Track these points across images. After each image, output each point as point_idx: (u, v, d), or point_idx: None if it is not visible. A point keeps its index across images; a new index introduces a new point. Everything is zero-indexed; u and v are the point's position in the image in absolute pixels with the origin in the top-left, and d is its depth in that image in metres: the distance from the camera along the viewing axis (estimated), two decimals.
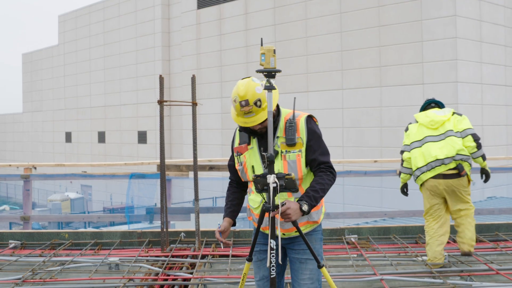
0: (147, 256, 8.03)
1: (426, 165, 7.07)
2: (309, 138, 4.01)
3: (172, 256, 8.04)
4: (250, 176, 4.06)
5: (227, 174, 4.64)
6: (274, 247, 3.57)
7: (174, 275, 7.13)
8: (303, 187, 4.05)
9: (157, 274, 7.18)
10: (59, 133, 52.06)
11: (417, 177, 7.24)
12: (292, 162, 4.02)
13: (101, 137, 46.50)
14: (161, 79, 8.33)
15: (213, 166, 10.11)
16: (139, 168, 11.71)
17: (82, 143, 48.78)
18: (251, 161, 4.07)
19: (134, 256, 7.90)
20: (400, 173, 7.50)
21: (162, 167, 8.41)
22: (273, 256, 3.58)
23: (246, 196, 4.37)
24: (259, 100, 3.82)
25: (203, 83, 33.78)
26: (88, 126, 47.98)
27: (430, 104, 7.44)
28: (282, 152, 4.02)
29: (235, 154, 4.15)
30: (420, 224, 9.20)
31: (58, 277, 7.08)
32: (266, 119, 3.90)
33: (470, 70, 24.44)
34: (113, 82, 45.06)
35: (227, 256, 7.97)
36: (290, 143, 3.96)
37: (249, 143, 4.08)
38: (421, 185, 7.27)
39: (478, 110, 24.40)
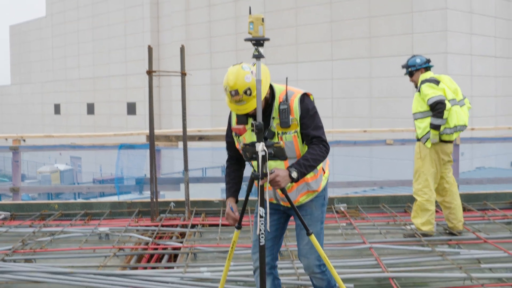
0: (137, 226, 8.05)
1: (454, 127, 6.95)
2: (302, 115, 4.02)
3: (162, 226, 8.06)
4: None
5: (216, 144, 4.64)
6: (263, 215, 3.58)
7: (164, 245, 7.16)
8: None
9: (147, 243, 7.20)
10: (48, 105, 51.78)
11: (441, 134, 7.00)
12: (289, 142, 4.07)
13: (90, 109, 46.30)
14: (150, 49, 8.29)
15: (203, 136, 10.08)
16: (128, 138, 11.68)
17: (71, 115, 48.56)
18: (251, 140, 4.09)
19: (124, 226, 7.92)
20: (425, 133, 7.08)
21: (152, 137, 8.40)
22: (262, 224, 3.59)
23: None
24: (249, 89, 3.82)
25: (192, 54, 33.60)
26: (77, 97, 47.73)
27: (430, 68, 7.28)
28: (278, 133, 4.07)
29: (233, 134, 4.15)
30: (408, 194, 9.25)
31: (48, 247, 7.09)
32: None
33: (460, 41, 24.42)
34: (102, 54, 44.76)
35: (217, 225, 8.00)
36: (285, 126, 4.00)
37: (246, 123, 4.11)
38: (431, 145, 7.05)
39: (467, 81, 24.42)
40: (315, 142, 4.00)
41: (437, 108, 6.81)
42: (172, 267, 6.20)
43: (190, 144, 9.02)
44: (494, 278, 5.71)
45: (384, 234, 7.41)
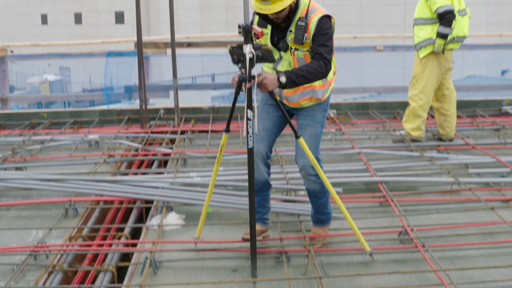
0: (126, 133, 8.05)
1: (456, 37, 6.86)
2: (315, 33, 3.94)
3: (152, 133, 8.06)
4: None
5: (206, 51, 4.56)
6: (251, 118, 3.56)
7: (154, 151, 7.19)
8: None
9: (137, 150, 7.22)
10: (34, 16, 50.76)
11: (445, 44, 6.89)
12: (301, 59, 4.05)
13: (78, 19, 45.44)
14: None
15: (192, 42, 9.95)
16: (116, 46, 11.51)
17: (58, 25, 47.68)
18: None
19: (114, 133, 7.91)
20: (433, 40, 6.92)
21: (139, 44, 8.27)
22: (250, 127, 3.57)
23: None
24: None
25: None
26: (64, 7, 46.72)
27: None
28: (291, 48, 4.03)
29: (253, 33, 4.07)
30: (398, 100, 9.26)
31: (38, 156, 7.11)
32: (282, 10, 3.84)
33: None
34: None
35: (207, 131, 8.01)
36: (298, 43, 3.95)
37: (265, 27, 4.06)
38: (432, 54, 6.95)
39: None
40: (317, 58, 3.94)
41: (446, 18, 6.68)
42: (162, 173, 6.24)
43: (179, 51, 8.91)
44: (481, 182, 5.79)
45: (373, 140, 7.45)
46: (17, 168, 6.54)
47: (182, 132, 8.09)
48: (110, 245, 4.67)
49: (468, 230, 4.71)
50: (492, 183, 5.75)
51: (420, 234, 4.51)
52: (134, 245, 4.68)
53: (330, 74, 4.24)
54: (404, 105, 8.38)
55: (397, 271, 4.05)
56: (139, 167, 6.98)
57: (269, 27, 4.06)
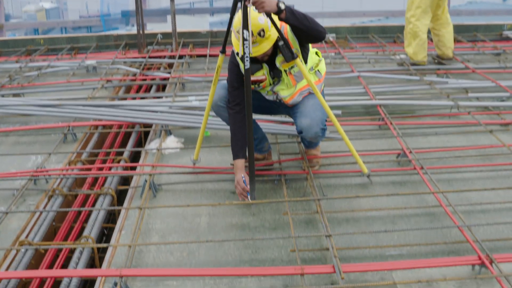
0: (124, 58, 7.98)
1: None
2: (294, 34, 3.79)
3: (150, 58, 8.00)
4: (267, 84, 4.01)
5: None
6: (247, 38, 3.49)
7: (152, 75, 7.14)
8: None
9: (135, 74, 7.18)
10: None
11: None
12: (298, 72, 3.94)
13: None
14: None
15: None
16: None
17: None
18: (270, 83, 4.00)
19: (111, 59, 7.85)
20: None
21: None
22: (246, 47, 3.51)
23: None
24: (263, 30, 3.61)
25: None
26: None
27: None
28: (285, 70, 3.93)
29: (256, 85, 3.94)
30: (398, 24, 9.14)
31: (36, 82, 7.07)
32: (269, 48, 3.72)
33: None
34: None
35: (205, 56, 7.95)
36: (290, 60, 3.75)
37: (261, 68, 3.92)
38: None
39: None
40: None
41: None
42: (161, 97, 6.21)
43: None
44: (480, 106, 5.76)
45: (372, 64, 7.39)
46: (14, 95, 6.51)
47: (180, 57, 8.03)
48: (110, 169, 4.69)
49: (466, 153, 4.72)
50: (491, 107, 5.72)
51: (418, 156, 4.52)
52: (134, 168, 4.69)
53: (323, 67, 4.15)
54: (403, 28, 8.28)
55: (395, 193, 4.07)
56: (137, 91, 6.96)
57: (264, 65, 3.92)
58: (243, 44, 3.45)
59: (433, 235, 3.56)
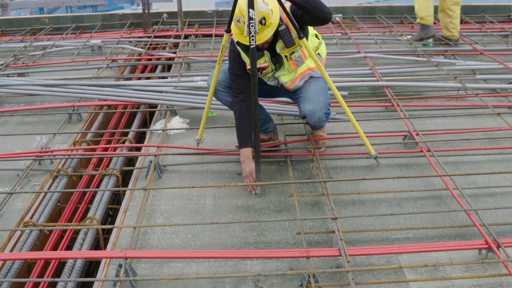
0: (129, 38, 7.94)
1: None
2: (294, 14, 3.70)
3: (155, 37, 7.96)
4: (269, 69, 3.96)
5: None
6: (253, 17, 3.44)
7: (158, 55, 7.10)
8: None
9: (140, 54, 7.14)
10: None
11: None
12: (299, 57, 3.89)
13: None
14: None
15: None
16: None
17: None
18: (272, 69, 3.95)
19: (116, 38, 7.81)
20: None
21: None
22: (252, 26, 3.46)
23: None
24: (264, 18, 3.54)
25: None
26: None
27: None
28: (286, 56, 3.87)
29: (259, 73, 3.88)
30: (406, 4, 9.06)
31: (40, 61, 7.04)
32: (271, 36, 3.66)
33: None
34: None
35: (210, 35, 7.90)
36: (290, 45, 3.73)
37: (262, 55, 3.85)
38: None
39: None
40: None
41: None
42: (166, 77, 6.17)
43: None
44: (488, 88, 5.70)
45: (379, 44, 7.32)
46: (19, 74, 6.48)
47: (186, 37, 7.98)
48: (115, 149, 4.67)
49: (473, 136, 4.68)
50: (499, 89, 5.67)
51: (425, 139, 4.48)
52: (139, 149, 4.68)
53: (323, 50, 4.10)
54: (411, 9, 8.21)
55: (402, 175, 4.04)
56: (142, 71, 6.93)
57: (265, 52, 3.86)
58: (249, 24, 3.40)
59: (439, 219, 3.54)
